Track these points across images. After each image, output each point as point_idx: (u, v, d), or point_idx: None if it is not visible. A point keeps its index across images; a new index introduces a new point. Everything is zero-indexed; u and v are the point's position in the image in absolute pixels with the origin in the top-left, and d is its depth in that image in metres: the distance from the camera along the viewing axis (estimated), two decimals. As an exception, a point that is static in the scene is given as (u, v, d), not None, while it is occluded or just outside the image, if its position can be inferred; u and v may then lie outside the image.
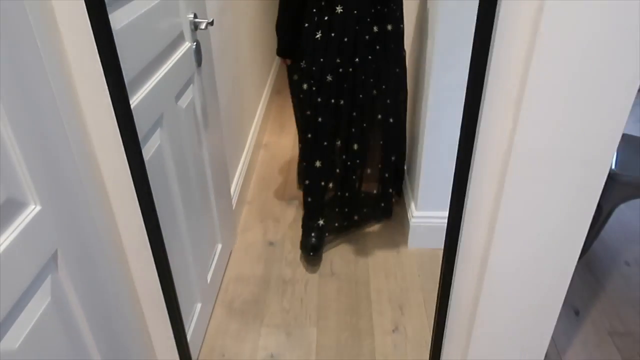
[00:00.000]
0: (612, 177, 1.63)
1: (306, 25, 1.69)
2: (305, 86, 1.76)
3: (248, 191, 2.39)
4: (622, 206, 2.11)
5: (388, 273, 1.90)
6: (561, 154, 0.84)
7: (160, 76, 1.20)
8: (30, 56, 0.71)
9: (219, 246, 1.82)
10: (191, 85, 1.45)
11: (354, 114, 1.80)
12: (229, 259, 1.96)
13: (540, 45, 0.73)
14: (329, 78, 1.70)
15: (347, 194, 1.98)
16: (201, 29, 1.42)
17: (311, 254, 1.91)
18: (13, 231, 0.67)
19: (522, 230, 0.94)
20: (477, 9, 0.70)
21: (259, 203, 2.33)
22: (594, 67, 0.76)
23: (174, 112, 1.30)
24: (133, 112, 1.02)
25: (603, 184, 0.89)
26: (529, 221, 0.92)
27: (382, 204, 2.10)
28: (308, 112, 1.79)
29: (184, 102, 1.38)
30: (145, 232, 0.94)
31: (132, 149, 0.84)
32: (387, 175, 2.00)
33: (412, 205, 2.01)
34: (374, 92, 1.80)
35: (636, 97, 0.83)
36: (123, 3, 1.02)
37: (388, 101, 1.83)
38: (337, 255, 1.99)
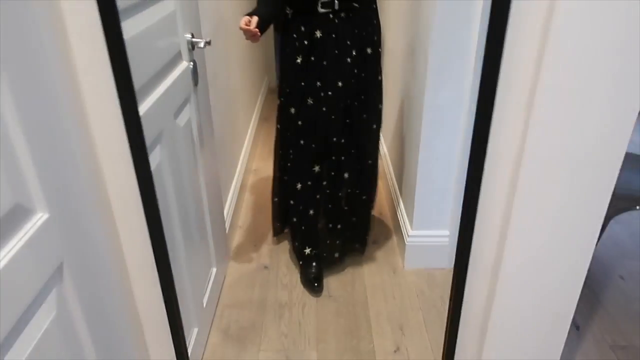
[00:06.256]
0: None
1: (287, 50, 1.69)
2: (291, 110, 1.76)
3: (239, 215, 2.36)
4: (611, 221, 2.14)
5: (386, 294, 1.87)
6: (573, 157, 0.84)
7: (161, 92, 1.18)
8: (41, 60, 0.69)
9: (214, 270, 1.77)
10: (188, 105, 1.44)
11: (342, 140, 1.78)
12: (223, 283, 1.91)
13: (551, 48, 0.75)
14: (310, 101, 1.71)
15: (338, 226, 1.94)
16: (199, 47, 1.41)
17: (316, 284, 1.88)
18: (20, 239, 0.64)
19: (533, 236, 0.93)
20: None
21: (250, 227, 2.29)
22: (605, 69, 0.77)
23: (173, 130, 1.28)
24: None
25: (612, 187, 0.90)
26: (540, 227, 0.92)
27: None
28: (288, 134, 1.80)
29: (182, 120, 1.36)
30: (151, 249, 0.90)
31: (141, 161, 0.82)
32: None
33: (407, 225, 2.00)
34: (364, 116, 1.79)
35: None
36: (124, 17, 1.01)
37: (370, 127, 1.82)
38: (333, 277, 1.96)
